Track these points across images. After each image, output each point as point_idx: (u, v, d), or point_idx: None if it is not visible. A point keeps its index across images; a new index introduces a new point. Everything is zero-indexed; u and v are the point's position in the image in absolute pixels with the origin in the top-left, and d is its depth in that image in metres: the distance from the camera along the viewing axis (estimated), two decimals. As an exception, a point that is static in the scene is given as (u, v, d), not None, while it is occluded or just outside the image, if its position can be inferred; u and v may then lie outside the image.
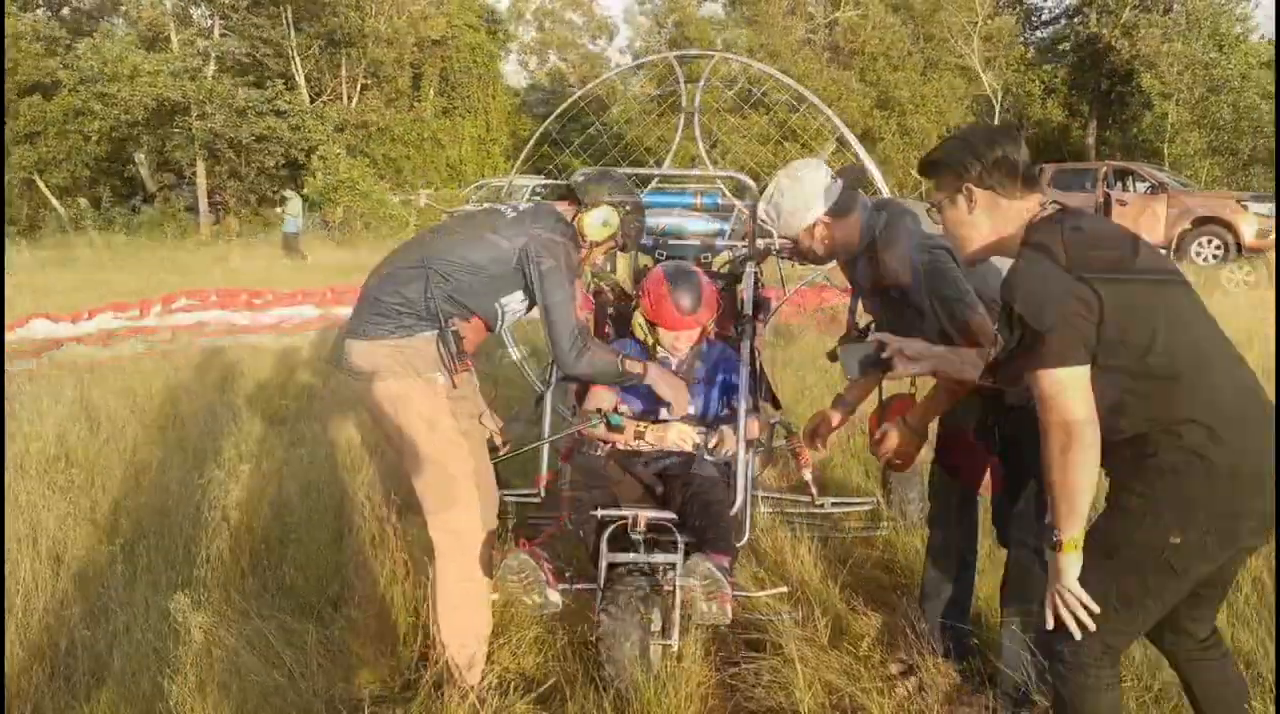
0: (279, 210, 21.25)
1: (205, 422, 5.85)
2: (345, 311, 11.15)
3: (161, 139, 30.40)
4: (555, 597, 2.92)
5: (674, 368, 3.71)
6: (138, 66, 27.27)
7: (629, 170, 4.42)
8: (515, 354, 5.35)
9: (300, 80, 32.34)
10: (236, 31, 30.69)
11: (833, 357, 3.27)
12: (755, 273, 4.08)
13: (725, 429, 3.59)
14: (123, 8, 30.37)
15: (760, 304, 4.08)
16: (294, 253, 19.68)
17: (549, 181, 22.10)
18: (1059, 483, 2.04)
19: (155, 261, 18.78)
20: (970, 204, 2.26)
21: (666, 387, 3.50)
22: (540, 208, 3.27)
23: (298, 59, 32.16)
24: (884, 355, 2.75)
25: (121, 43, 28.52)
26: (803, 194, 3.08)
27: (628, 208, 3.32)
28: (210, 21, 31.07)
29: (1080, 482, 2.02)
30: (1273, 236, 16.60)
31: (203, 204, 30.36)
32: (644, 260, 4.46)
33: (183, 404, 6.25)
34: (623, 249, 3.49)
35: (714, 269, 4.37)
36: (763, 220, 3.22)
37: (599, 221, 3.27)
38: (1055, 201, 2.26)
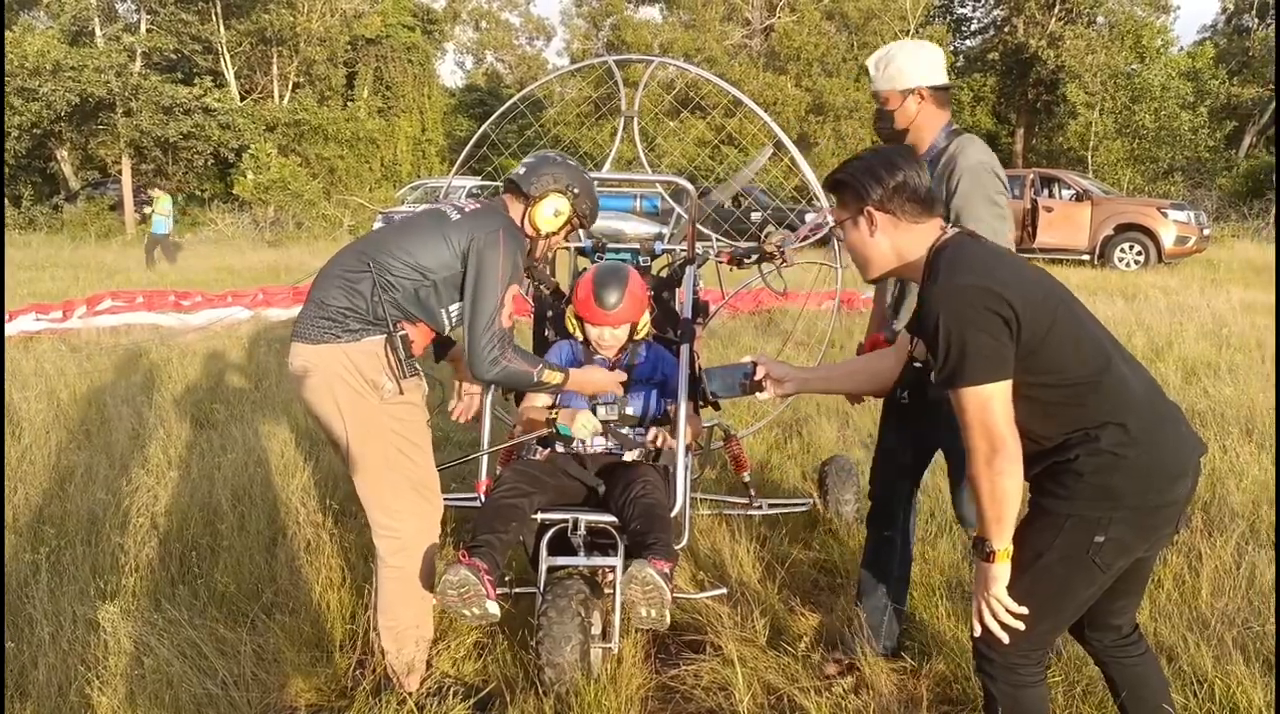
0: (147, 210, 20.13)
1: (132, 426, 5.72)
2: (276, 313, 10.97)
3: (85, 136, 29.60)
4: (494, 608, 2.91)
5: (606, 366, 3.73)
6: (60, 62, 26.53)
7: None
8: None
9: (230, 78, 31.75)
10: (164, 27, 29.99)
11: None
12: (695, 276, 4.10)
13: (657, 428, 3.62)
14: (45, 1, 29.49)
15: (699, 307, 4.11)
16: (163, 256, 18.57)
17: (486, 183, 22.02)
18: (987, 495, 2.10)
19: (78, 262, 18.28)
20: (871, 227, 2.30)
21: (590, 383, 3.52)
22: (486, 208, 3.20)
23: (227, 56, 31.56)
24: (756, 377, 2.83)
25: (44, 37, 27.70)
26: (921, 59, 3.07)
27: (575, 191, 3.29)
28: (137, 17, 30.33)
29: (1008, 491, 2.08)
30: (1191, 243, 17.18)
31: (128, 203, 29.60)
32: (583, 263, 4.46)
33: (109, 408, 6.10)
34: (582, 227, 3.46)
35: (653, 273, 4.39)
36: (867, 66, 3.18)
37: (550, 213, 3.24)
38: (955, 224, 2.32)
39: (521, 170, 3.29)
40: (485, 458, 3.65)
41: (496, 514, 3.21)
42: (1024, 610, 2.17)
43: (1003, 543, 2.13)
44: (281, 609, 3.49)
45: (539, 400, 3.67)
